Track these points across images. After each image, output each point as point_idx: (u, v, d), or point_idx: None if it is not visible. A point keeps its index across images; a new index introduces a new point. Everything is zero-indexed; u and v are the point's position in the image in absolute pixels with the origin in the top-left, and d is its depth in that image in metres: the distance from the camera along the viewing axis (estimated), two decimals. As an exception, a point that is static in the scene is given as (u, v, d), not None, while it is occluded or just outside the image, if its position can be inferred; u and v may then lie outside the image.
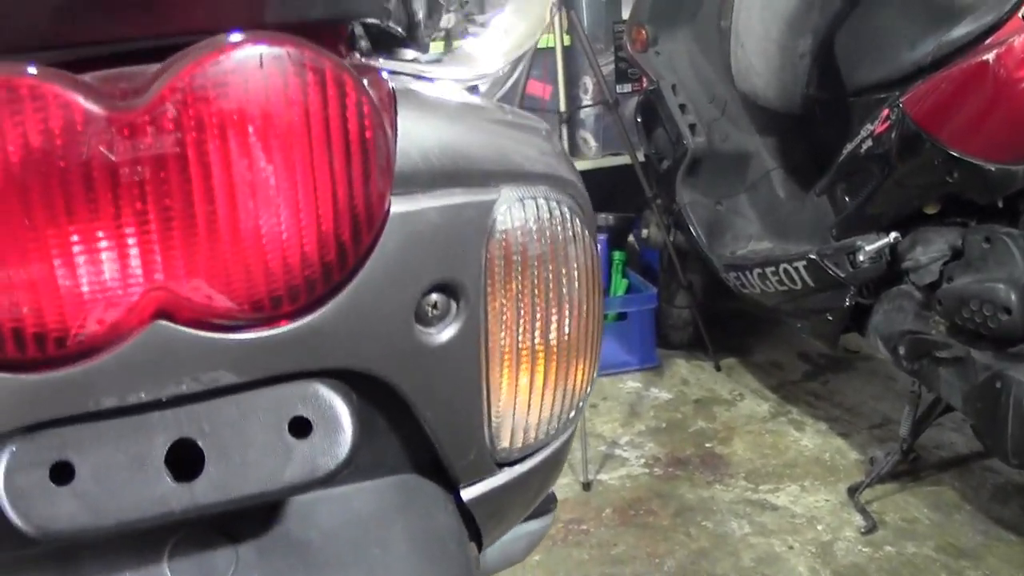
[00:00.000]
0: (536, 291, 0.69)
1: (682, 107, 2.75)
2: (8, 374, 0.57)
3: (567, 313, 0.71)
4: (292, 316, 0.61)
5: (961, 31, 1.82)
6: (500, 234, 0.67)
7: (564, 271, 0.70)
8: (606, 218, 3.16)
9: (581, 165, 3.22)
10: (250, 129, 0.56)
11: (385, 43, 0.84)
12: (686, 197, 2.73)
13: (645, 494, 2.33)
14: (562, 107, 2.78)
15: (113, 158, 0.53)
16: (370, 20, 0.78)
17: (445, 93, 0.72)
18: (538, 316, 0.70)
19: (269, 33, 0.56)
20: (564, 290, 0.71)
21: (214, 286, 0.58)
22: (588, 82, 3.18)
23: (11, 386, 0.57)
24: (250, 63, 0.55)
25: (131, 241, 0.56)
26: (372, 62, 0.78)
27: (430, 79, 0.78)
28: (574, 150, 3.28)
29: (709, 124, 2.74)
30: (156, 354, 0.59)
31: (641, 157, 2.89)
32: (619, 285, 3.15)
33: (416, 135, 0.64)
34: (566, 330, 0.71)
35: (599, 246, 2.95)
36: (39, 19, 0.58)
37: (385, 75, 0.65)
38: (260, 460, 0.61)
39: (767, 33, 2.47)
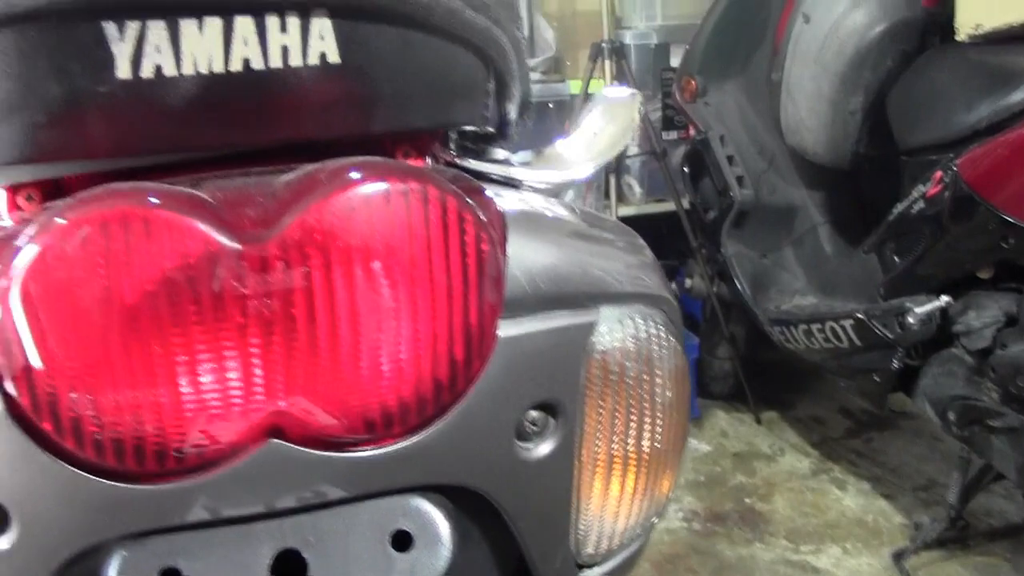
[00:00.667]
0: (630, 404, 0.71)
1: (730, 158, 2.75)
2: (124, 484, 0.59)
3: (658, 423, 0.72)
4: (401, 435, 0.63)
5: (1019, 96, 1.80)
6: (599, 354, 0.69)
7: (657, 384, 0.72)
8: (649, 266, 3.15)
9: (625, 211, 3.22)
10: (374, 262, 0.58)
11: (478, 141, 0.86)
12: (731, 249, 2.72)
13: (683, 550, 2.31)
14: (610, 155, 2.78)
15: (242, 290, 0.57)
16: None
17: (547, 210, 0.74)
18: (631, 427, 0.71)
19: (393, 165, 0.59)
20: (656, 401, 0.72)
21: (331, 409, 0.60)
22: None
23: (126, 495, 0.59)
24: (376, 199, 0.58)
25: (255, 365, 0.58)
26: (465, 163, 0.80)
27: (520, 182, 0.80)
28: (619, 196, 3.27)
29: (757, 176, 2.73)
30: (268, 470, 0.61)
31: (686, 205, 2.88)
32: (660, 334, 3.12)
33: (524, 260, 0.66)
34: (656, 439, 0.73)
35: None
36: (162, 126, 0.62)
37: (489, 193, 0.68)
38: (362, 572, 0.64)
39: (818, 89, 2.46)
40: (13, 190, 0.68)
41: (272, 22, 0.62)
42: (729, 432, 2.97)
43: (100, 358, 0.56)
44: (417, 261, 0.59)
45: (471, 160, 0.82)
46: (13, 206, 0.68)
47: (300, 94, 0.64)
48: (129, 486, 0.59)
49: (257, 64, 0.62)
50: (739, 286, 2.68)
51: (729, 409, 3.10)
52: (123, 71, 0.60)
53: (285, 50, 0.63)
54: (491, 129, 0.81)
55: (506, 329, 0.64)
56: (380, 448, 0.63)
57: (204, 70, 0.61)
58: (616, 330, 0.69)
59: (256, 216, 0.57)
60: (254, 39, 0.62)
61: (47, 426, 0.57)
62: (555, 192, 0.84)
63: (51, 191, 0.68)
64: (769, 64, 2.65)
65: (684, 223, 2.84)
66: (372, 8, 0.65)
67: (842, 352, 2.32)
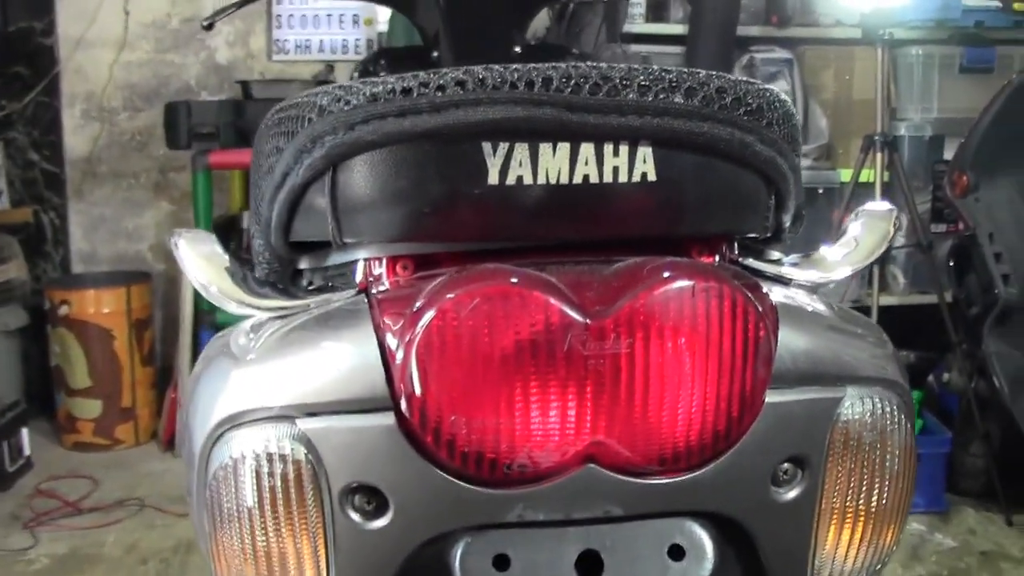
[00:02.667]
0: (865, 467, 0.86)
1: (997, 256, 2.74)
2: (477, 487, 0.78)
3: (887, 486, 0.87)
4: (684, 471, 0.81)
5: None
6: (843, 423, 0.85)
7: (888, 453, 0.87)
8: (907, 356, 3.15)
9: (887, 300, 3.24)
10: (680, 339, 0.77)
11: (757, 243, 1.02)
12: (992, 346, 2.71)
13: (920, 642, 2.30)
14: (874, 246, 2.82)
15: (583, 352, 0.75)
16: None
17: (809, 305, 0.91)
18: (863, 485, 0.87)
19: (697, 266, 0.79)
20: (886, 467, 0.87)
21: (635, 446, 0.79)
22: (903, 219, 3.20)
23: (477, 495, 0.79)
24: (686, 292, 0.76)
25: (586, 408, 0.77)
26: (746, 262, 0.97)
27: (789, 279, 0.95)
28: (882, 284, 3.29)
29: (1025, 276, 2.71)
30: (582, 488, 0.80)
31: (949, 299, 2.88)
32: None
33: (790, 343, 0.83)
34: (884, 498, 0.88)
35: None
36: (518, 221, 0.83)
37: (765, 289, 0.84)
38: (645, 572, 0.83)
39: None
40: (393, 260, 0.88)
41: (608, 148, 0.81)
42: (977, 530, 2.92)
43: (474, 394, 0.75)
44: (711, 341, 0.77)
45: (751, 259, 0.98)
46: (391, 272, 0.88)
47: (624, 203, 0.83)
48: (480, 489, 0.78)
49: (594, 179, 0.81)
50: (998, 384, 2.67)
51: (979, 507, 3.05)
52: (493, 179, 0.80)
53: (616, 170, 0.82)
54: (769, 234, 0.97)
55: (772, 396, 0.82)
56: (668, 479, 0.81)
57: (554, 181, 0.81)
58: (858, 405, 0.85)
59: (596, 298, 0.76)
60: (593, 160, 0.81)
61: (428, 439, 0.76)
62: (815, 289, 0.97)
63: (420, 263, 0.88)
64: (1045, 164, 2.64)
65: (946, 317, 2.84)
66: (684, 140, 0.83)
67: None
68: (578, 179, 0.81)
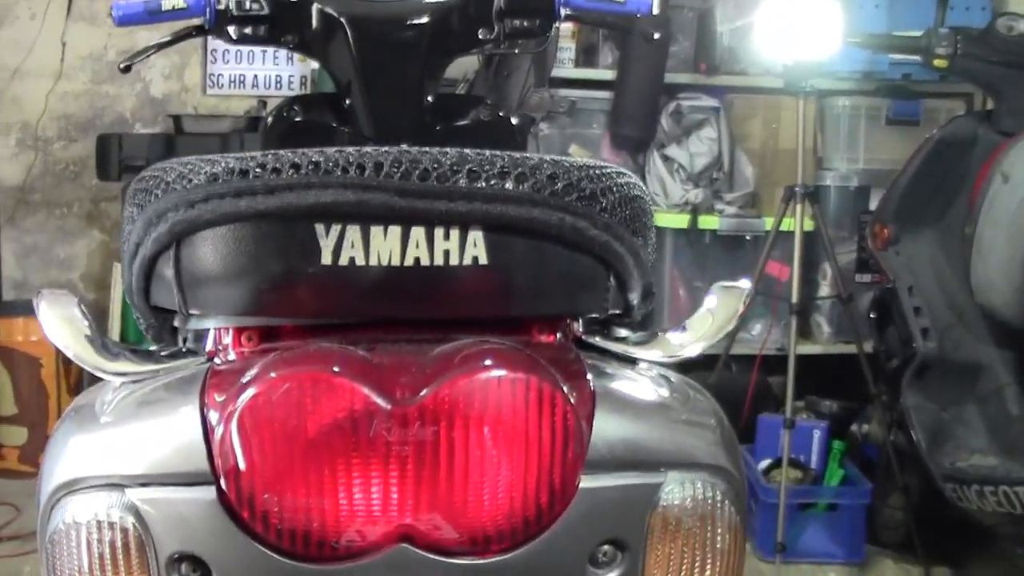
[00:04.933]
0: (685, 550, 0.88)
1: (916, 309, 2.74)
2: (293, 562, 0.81)
3: (712, 566, 0.89)
4: (498, 552, 0.83)
5: None
6: (662, 508, 0.86)
7: (710, 536, 0.88)
8: (830, 405, 3.16)
9: (812, 349, 3.24)
10: (485, 428, 0.80)
11: (607, 321, 1.04)
12: (911, 400, 2.71)
13: None
14: (794, 298, 2.82)
15: (389, 438, 0.79)
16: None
17: (639, 388, 0.93)
18: (684, 567, 0.88)
19: (507, 355, 0.82)
20: (708, 551, 0.88)
21: (446, 529, 0.82)
22: (827, 268, 3.21)
23: (293, 570, 0.81)
24: (491, 382, 0.80)
25: (392, 490, 0.80)
26: (591, 339, 0.99)
27: (634, 358, 0.97)
28: (806, 333, 3.30)
29: (943, 330, 2.71)
30: (398, 566, 0.82)
31: (869, 350, 2.89)
32: (834, 474, 3.11)
33: (608, 430, 0.85)
34: None
35: (820, 433, 2.98)
36: (352, 300, 0.86)
37: (590, 368, 0.89)
38: None
39: (1012, 252, 2.43)
40: (239, 331, 0.91)
41: (439, 232, 0.84)
42: (894, 583, 2.92)
43: (286, 473, 0.78)
44: (516, 430, 0.80)
45: (597, 337, 1.00)
46: (237, 343, 0.91)
47: (456, 285, 0.86)
48: (299, 564, 0.81)
49: (425, 261, 0.84)
50: (916, 437, 2.67)
51: (898, 559, 3.05)
52: (326, 259, 0.83)
53: (447, 253, 0.84)
54: (616, 311, 0.98)
55: (586, 482, 0.83)
56: (481, 559, 0.83)
57: (385, 263, 0.83)
58: (678, 491, 0.86)
59: (406, 384, 0.79)
60: (424, 243, 0.84)
61: (245, 514, 0.79)
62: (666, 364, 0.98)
63: (266, 334, 0.91)
64: (965, 216, 2.65)
65: (865, 368, 2.85)
66: (514, 226, 0.85)
67: (1017, 519, 2.28)
68: (409, 261, 0.83)
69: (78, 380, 3.45)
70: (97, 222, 3.69)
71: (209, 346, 0.95)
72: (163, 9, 1.47)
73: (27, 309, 3.40)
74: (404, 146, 1.35)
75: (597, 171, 0.90)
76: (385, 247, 0.82)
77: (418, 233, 0.83)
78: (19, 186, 3.65)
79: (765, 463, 2.98)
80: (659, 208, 3.20)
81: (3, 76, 3.60)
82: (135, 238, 0.89)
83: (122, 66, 1.60)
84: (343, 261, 0.82)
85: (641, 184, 0.97)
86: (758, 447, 3.03)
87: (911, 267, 2.81)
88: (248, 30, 1.46)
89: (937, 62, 2.60)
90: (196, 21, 1.47)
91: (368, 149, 0.84)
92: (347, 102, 1.45)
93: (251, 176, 0.82)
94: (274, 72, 3.61)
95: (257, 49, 3.57)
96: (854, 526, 3.02)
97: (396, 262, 0.83)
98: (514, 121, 1.56)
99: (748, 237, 3.21)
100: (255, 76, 3.62)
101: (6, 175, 3.66)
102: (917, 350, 2.68)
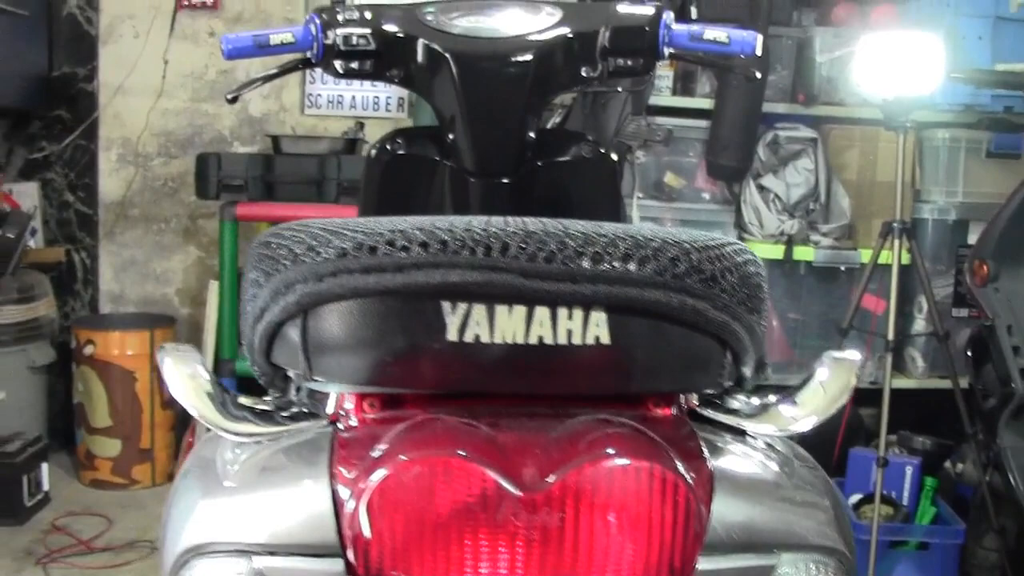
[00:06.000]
0: None
1: (1016, 349, 2.69)
2: None
3: None
4: None
5: None
6: None
7: None
8: (923, 441, 3.11)
9: (905, 383, 3.20)
10: (611, 514, 0.81)
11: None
12: (1007, 440, 2.66)
13: None
14: (890, 334, 2.79)
15: (516, 521, 0.81)
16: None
17: (753, 466, 0.94)
18: None
19: (631, 443, 0.84)
20: None
21: None
22: (923, 302, 3.17)
23: None
24: (617, 471, 0.82)
25: (518, 571, 0.82)
26: (705, 411, 1.01)
27: (745, 431, 0.98)
28: (900, 367, 3.26)
29: (1043, 371, 2.66)
30: None
31: (965, 386, 2.84)
32: (926, 513, 3.07)
33: (724, 513, 0.87)
34: None
35: (912, 469, 2.94)
36: (475, 375, 0.88)
37: (706, 444, 0.91)
38: None
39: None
40: (362, 397, 0.93)
41: (562, 312, 0.85)
42: (986, 626, 2.86)
43: (415, 550, 0.80)
44: (641, 515, 0.81)
45: (709, 410, 1.01)
46: (360, 408, 0.93)
47: (577, 363, 0.87)
48: None
49: (548, 340, 0.85)
50: (1012, 479, 2.62)
51: (990, 601, 2.99)
52: (452, 336, 0.84)
53: (570, 332, 0.85)
54: (729, 383, 0.99)
55: (704, 563, 0.84)
56: None
57: (510, 340, 0.85)
58: (791, 573, 0.88)
59: (533, 469, 0.82)
60: (548, 323, 0.85)
61: None
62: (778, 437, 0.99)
63: (387, 401, 0.93)
64: (1067, 258, 2.60)
65: (960, 406, 2.80)
66: (636, 308, 0.86)
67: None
68: (533, 339, 0.84)
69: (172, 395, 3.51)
70: (194, 238, 3.77)
71: (330, 408, 0.96)
72: (271, 44, 1.49)
73: (124, 323, 3.50)
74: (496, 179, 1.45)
75: (717, 251, 0.91)
76: (510, 326, 0.84)
77: (542, 313, 0.84)
78: (119, 201, 3.74)
79: (856, 498, 2.95)
80: (754, 238, 3.19)
81: (106, 92, 3.69)
82: (261, 303, 0.92)
83: (229, 97, 1.63)
84: (468, 338, 0.84)
85: (758, 260, 0.98)
86: (848, 481, 3.00)
87: (1011, 305, 2.76)
88: (355, 65, 1.47)
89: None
90: (303, 55, 1.49)
91: (495, 226, 0.86)
92: (450, 137, 1.46)
93: (380, 253, 0.84)
94: (372, 93, 3.65)
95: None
96: (945, 566, 2.97)
97: (520, 340, 0.84)
98: (613, 157, 1.57)
99: (842, 268, 3.19)
100: (353, 97, 3.67)
101: (107, 190, 3.75)
102: (1016, 390, 2.63)
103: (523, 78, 1.43)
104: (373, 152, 1.54)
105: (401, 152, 1.52)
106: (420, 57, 1.45)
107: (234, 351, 3.28)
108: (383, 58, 1.47)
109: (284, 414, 0.98)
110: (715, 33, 1.48)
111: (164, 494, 3.37)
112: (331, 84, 3.66)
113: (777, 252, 3.14)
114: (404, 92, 3.61)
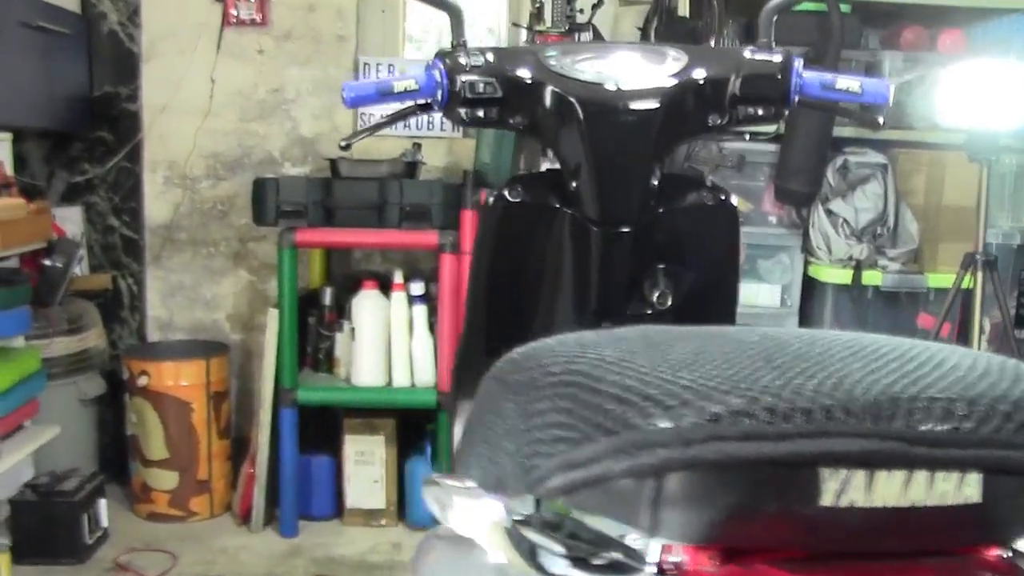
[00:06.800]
0: None
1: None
2: None
3: None
4: None
5: None
6: None
7: None
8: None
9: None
10: None
11: None
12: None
13: None
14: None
15: None
16: None
17: None
18: None
19: None
20: None
21: None
22: (987, 325, 3.20)
23: None
24: None
25: None
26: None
27: None
28: None
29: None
30: None
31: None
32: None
33: None
34: None
35: None
36: (836, 538, 0.84)
37: None
38: None
39: None
40: (700, 549, 0.88)
41: (939, 475, 0.82)
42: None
43: None
44: None
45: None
46: (695, 560, 0.88)
47: (943, 523, 0.84)
48: None
49: (920, 502, 0.82)
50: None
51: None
52: (826, 501, 0.80)
53: (943, 494, 0.82)
54: None
55: None
56: None
57: (882, 505, 0.81)
58: None
59: None
60: (924, 486, 0.82)
61: None
62: None
63: (726, 553, 0.88)
64: None
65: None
66: (1010, 467, 0.84)
67: None
68: (906, 502, 0.81)
69: (227, 423, 3.47)
70: (244, 262, 3.69)
71: (652, 555, 0.90)
72: (395, 91, 1.48)
73: (176, 351, 3.44)
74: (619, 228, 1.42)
75: None
76: (887, 491, 0.81)
77: (920, 476, 0.81)
78: (166, 224, 3.65)
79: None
80: (821, 263, 3.20)
81: (150, 112, 3.60)
82: (588, 453, 0.86)
83: (343, 144, 1.62)
84: (843, 503, 0.81)
85: None
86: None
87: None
88: (480, 112, 1.45)
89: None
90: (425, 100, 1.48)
91: (878, 385, 0.84)
92: (573, 184, 1.44)
93: (760, 419, 0.81)
94: (426, 115, 3.58)
95: (409, 91, 3.55)
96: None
97: (893, 503, 0.81)
98: (735, 203, 1.56)
99: (904, 292, 3.21)
100: (406, 118, 3.59)
101: (153, 213, 3.66)
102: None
103: (651, 126, 1.41)
104: (491, 200, 1.51)
105: (520, 200, 1.49)
106: (547, 104, 1.43)
107: (294, 379, 3.23)
108: (508, 104, 1.45)
109: (598, 563, 0.93)
110: (848, 83, 1.48)
111: (222, 525, 3.36)
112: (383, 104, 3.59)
113: (845, 277, 3.15)
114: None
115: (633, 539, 0.91)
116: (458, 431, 1.69)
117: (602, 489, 0.87)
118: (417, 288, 3.29)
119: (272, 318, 3.25)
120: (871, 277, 3.16)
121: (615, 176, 1.43)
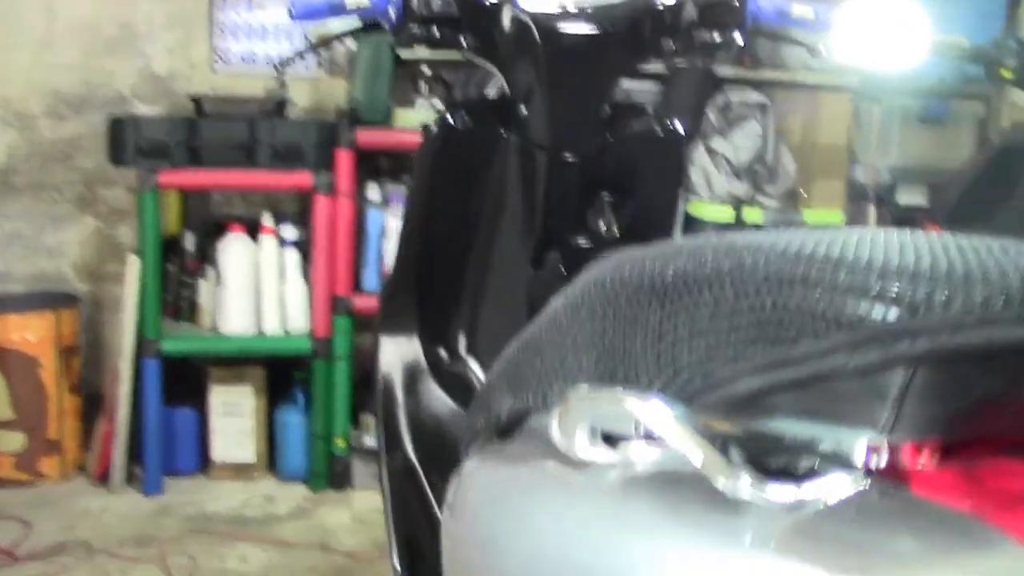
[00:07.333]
0: None
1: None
2: None
3: None
4: None
5: None
6: None
7: None
8: None
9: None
10: None
11: None
12: None
13: None
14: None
15: None
16: None
17: None
18: None
19: None
20: None
21: None
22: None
23: None
24: None
25: None
26: None
27: None
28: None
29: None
30: None
31: None
32: None
33: None
34: None
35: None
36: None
37: None
38: None
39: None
40: (916, 447, 0.75)
41: None
42: None
43: None
44: None
45: None
46: (917, 458, 0.75)
47: None
48: None
49: None
50: None
51: None
52: None
53: None
54: None
55: None
56: None
57: None
58: None
59: None
60: None
61: None
62: None
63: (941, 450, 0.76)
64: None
65: None
66: None
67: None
68: None
69: (78, 378, 3.21)
70: (91, 208, 3.38)
71: (858, 458, 0.75)
72: (347, 7, 1.44)
73: (20, 303, 3.16)
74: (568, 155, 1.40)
75: None
76: None
77: None
78: (1, 168, 3.32)
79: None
80: (702, 199, 3.22)
81: (-24, 44, 3.25)
82: (806, 349, 0.72)
83: (278, 65, 1.57)
84: None
85: None
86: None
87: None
88: (434, 32, 1.43)
89: (1004, 72, 2.68)
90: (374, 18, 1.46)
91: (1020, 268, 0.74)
92: (523, 110, 1.42)
93: (1002, 306, 0.69)
94: (288, 51, 3.37)
95: (270, 23, 3.35)
96: None
97: None
98: (682, 132, 1.54)
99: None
100: (268, 54, 3.38)
101: (-16, 156, 3.32)
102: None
103: (607, 48, 1.40)
104: (434, 128, 1.47)
105: (464, 127, 1.47)
106: (505, 25, 1.40)
107: (159, 331, 3.01)
108: (463, 25, 1.44)
109: (806, 462, 0.77)
110: (803, 10, 1.51)
111: (77, 487, 3.09)
112: (243, 39, 3.38)
113: (726, 215, 3.18)
114: (323, 50, 3.37)
115: (835, 441, 0.76)
116: (382, 365, 1.62)
117: (817, 389, 0.74)
118: (289, 231, 3.14)
119: (133, 264, 3.02)
120: (751, 215, 3.20)
121: (569, 99, 1.40)
